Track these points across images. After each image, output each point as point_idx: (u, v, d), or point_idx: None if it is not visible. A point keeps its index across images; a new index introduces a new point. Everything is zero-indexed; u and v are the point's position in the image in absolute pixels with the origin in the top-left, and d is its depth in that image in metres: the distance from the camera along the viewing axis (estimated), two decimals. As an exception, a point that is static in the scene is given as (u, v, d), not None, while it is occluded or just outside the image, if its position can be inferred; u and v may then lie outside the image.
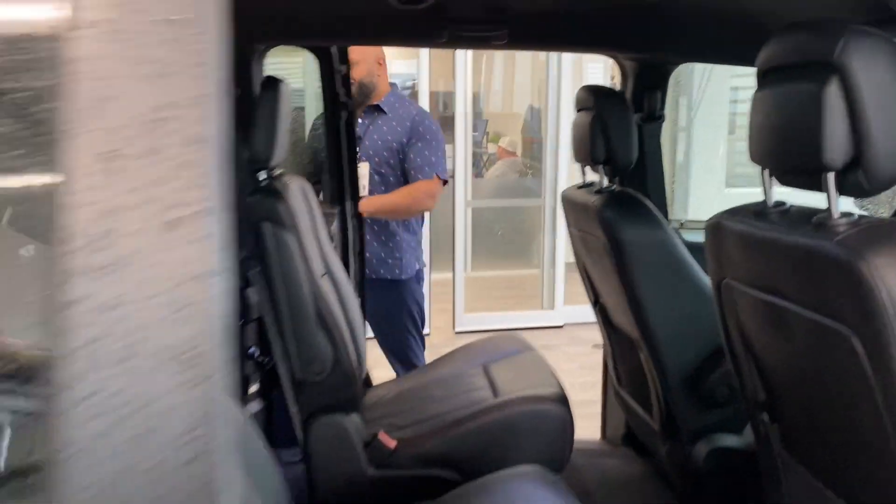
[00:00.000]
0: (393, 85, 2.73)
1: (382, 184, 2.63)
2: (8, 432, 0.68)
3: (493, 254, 5.28)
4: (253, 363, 1.87)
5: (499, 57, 6.28)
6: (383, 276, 2.63)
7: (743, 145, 1.27)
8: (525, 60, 5.90)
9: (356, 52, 2.47)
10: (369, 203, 2.53)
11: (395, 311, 2.67)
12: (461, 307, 4.65)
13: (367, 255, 2.53)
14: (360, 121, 2.60)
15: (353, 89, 2.44)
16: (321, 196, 2.44)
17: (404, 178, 2.63)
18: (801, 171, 1.03)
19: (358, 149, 2.51)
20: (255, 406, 1.90)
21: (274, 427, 2.03)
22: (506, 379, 1.91)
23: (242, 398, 1.80)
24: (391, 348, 2.71)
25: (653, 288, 1.64)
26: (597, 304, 2.02)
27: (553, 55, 4.58)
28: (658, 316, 1.65)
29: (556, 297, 4.78)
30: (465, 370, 2.04)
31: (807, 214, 1.03)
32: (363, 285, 2.45)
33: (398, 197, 2.62)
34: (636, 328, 1.70)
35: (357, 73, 2.51)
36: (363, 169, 2.57)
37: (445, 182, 2.69)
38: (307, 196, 1.88)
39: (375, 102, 2.64)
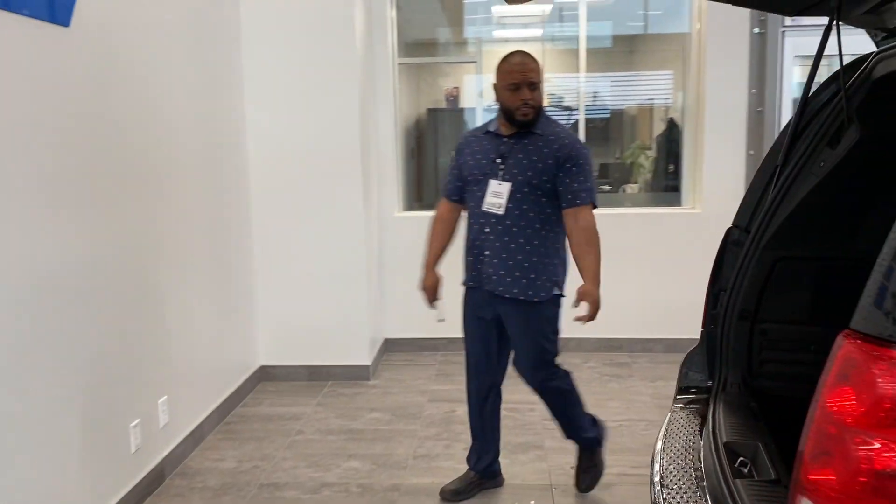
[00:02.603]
0: None
1: (523, 203, 2.64)
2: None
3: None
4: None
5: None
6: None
7: None
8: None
9: (537, 74, 2.62)
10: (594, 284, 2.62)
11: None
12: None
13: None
14: (503, 139, 2.70)
15: (530, 113, 2.62)
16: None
17: (546, 200, 2.65)
18: None
19: (502, 167, 2.66)
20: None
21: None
22: None
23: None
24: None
25: None
26: None
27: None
28: None
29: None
30: None
31: None
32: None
33: (592, 256, 2.64)
34: None
35: (539, 98, 2.64)
36: (503, 188, 2.63)
37: (595, 207, 2.71)
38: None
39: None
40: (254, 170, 4.34)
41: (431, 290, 2.92)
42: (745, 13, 4.62)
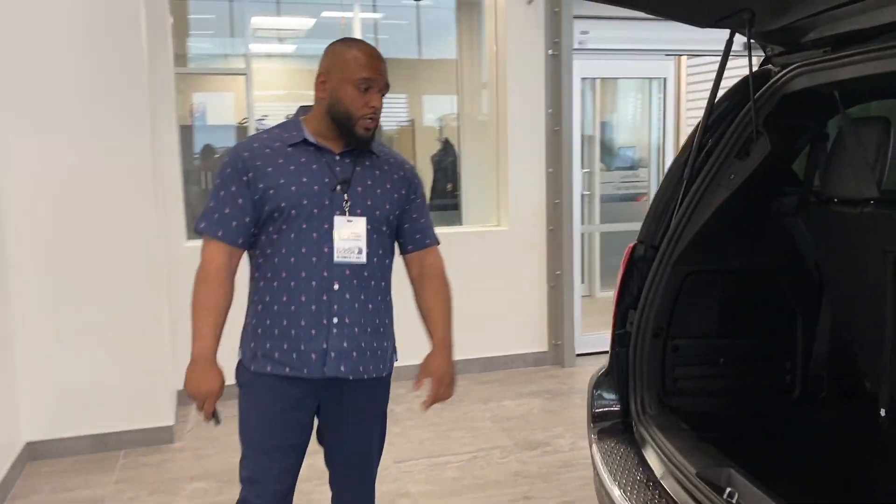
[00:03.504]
0: None
1: (379, 247, 1.96)
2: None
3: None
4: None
5: None
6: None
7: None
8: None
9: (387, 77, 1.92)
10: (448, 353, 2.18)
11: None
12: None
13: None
14: (335, 156, 1.93)
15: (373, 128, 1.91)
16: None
17: (390, 242, 2.03)
18: None
19: (346, 197, 1.90)
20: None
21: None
22: None
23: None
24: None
25: None
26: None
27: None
28: None
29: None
30: None
31: None
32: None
33: (447, 313, 2.25)
34: None
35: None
36: (359, 227, 1.90)
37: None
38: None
39: None
40: (8, 202, 3.45)
41: (217, 394, 1.91)
42: (539, 36, 4.75)
